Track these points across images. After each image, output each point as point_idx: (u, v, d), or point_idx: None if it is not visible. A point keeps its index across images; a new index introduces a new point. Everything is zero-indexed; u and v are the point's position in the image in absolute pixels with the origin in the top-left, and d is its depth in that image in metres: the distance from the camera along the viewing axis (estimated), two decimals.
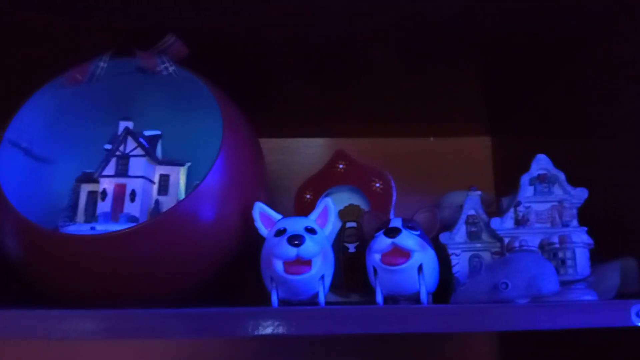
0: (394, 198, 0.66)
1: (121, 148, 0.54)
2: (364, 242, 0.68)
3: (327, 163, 0.71)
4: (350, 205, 0.71)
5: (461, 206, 0.65)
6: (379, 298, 0.52)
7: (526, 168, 0.61)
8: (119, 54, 0.56)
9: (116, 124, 0.58)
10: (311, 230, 0.50)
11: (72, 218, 0.54)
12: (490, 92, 0.79)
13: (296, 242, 0.47)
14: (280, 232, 0.50)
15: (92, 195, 0.55)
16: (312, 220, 0.52)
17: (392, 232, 0.51)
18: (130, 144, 0.54)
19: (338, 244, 0.67)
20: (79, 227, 0.50)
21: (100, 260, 0.46)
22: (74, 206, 0.54)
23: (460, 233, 0.60)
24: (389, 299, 0.54)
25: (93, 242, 0.46)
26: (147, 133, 0.57)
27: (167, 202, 0.55)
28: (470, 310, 0.48)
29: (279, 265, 0.48)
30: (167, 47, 0.58)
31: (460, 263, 0.59)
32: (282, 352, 0.81)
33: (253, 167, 0.55)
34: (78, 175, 0.57)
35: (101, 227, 0.49)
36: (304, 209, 0.66)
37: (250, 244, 0.56)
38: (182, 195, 0.56)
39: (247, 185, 0.54)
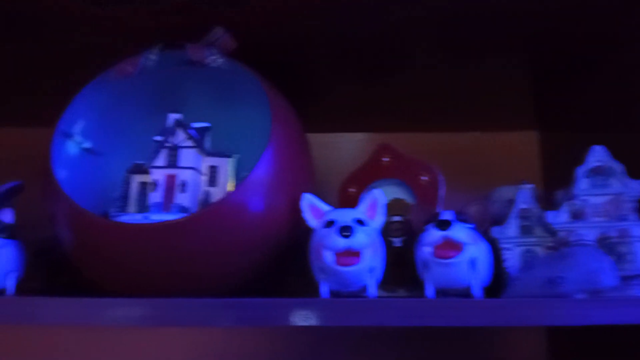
0: (441, 191, 0.65)
1: (171, 139, 0.55)
2: (410, 236, 0.67)
3: (371, 156, 0.70)
4: (395, 199, 0.70)
5: (510, 200, 0.64)
6: (430, 292, 0.51)
7: (575, 161, 0.59)
8: (168, 46, 0.57)
9: (163, 117, 0.59)
10: (361, 222, 0.50)
11: (123, 208, 0.55)
12: (537, 85, 0.77)
13: (346, 233, 0.47)
14: (329, 224, 0.50)
15: (142, 185, 0.56)
16: (361, 212, 0.51)
17: (444, 225, 0.50)
18: (180, 135, 0.55)
19: (383, 239, 0.66)
20: (133, 217, 0.51)
21: (154, 248, 0.47)
22: (125, 196, 0.55)
23: (512, 227, 0.58)
24: (439, 293, 0.53)
25: (148, 230, 0.46)
26: (196, 125, 0.57)
27: (216, 194, 0.55)
28: (524, 304, 0.47)
29: (329, 256, 0.48)
30: (215, 40, 0.58)
31: (512, 257, 0.57)
32: (327, 343, 0.81)
33: (301, 159, 0.55)
34: (126, 166, 0.58)
35: (155, 217, 0.50)
36: (348, 203, 0.65)
37: (297, 235, 0.56)
38: (230, 187, 0.56)
39: (295, 177, 0.54)
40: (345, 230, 0.47)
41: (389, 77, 0.73)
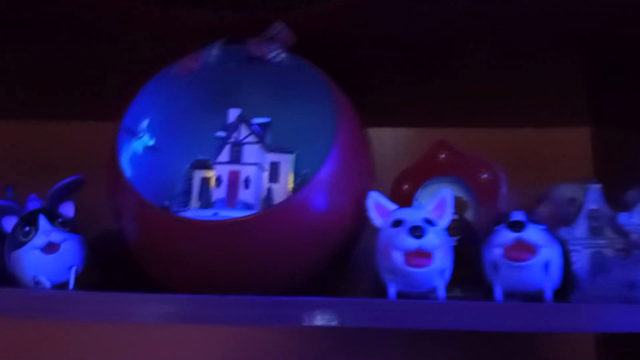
0: (502, 190, 0.63)
1: (235, 135, 0.54)
2: (466, 235, 0.66)
3: (426, 153, 0.69)
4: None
5: (572, 199, 0.62)
6: (499, 294, 0.50)
7: (628, 159, 0.56)
8: (230, 42, 0.56)
9: (223, 112, 0.58)
10: (430, 222, 0.49)
11: (186, 203, 0.55)
12: (592, 81, 0.74)
13: (417, 233, 0.46)
14: (397, 223, 0.48)
15: (205, 181, 0.55)
16: (429, 211, 0.50)
17: (517, 226, 0.48)
18: (244, 131, 0.54)
19: None
20: (199, 213, 0.51)
21: (221, 246, 0.46)
22: (188, 192, 0.55)
23: (581, 228, 0.56)
24: (507, 295, 0.51)
25: (217, 227, 0.46)
26: (257, 120, 0.57)
27: (279, 190, 0.54)
28: (599, 309, 0.45)
29: (398, 257, 0.47)
30: (275, 35, 0.57)
31: (580, 259, 0.55)
32: (375, 342, 0.80)
33: (364, 156, 0.54)
34: (187, 161, 0.58)
35: (224, 214, 0.49)
36: (401, 200, 0.64)
37: (357, 234, 0.55)
38: (291, 184, 0.55)
39: (359, 174, 0.53)
40: (417, 231, 0.46)
41: (438, 73, 0.71)
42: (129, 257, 0.54)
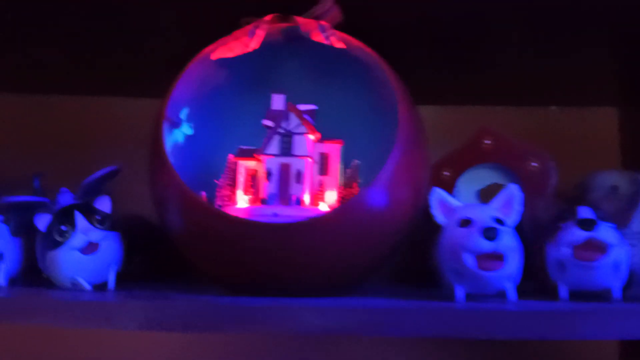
0: (553, 180, 0.61)
1: (284, 124, 0.50)
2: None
3: (470, 139, 0.66)
4: (495, 185, 0.66)
5: (614, 187, 0.60)
6: (564, 293, 0.48)
7: None
8: (275, 21, 0.52)
9: (262, 97, 0.54)
10: (500, 222, 0.46)
11: (231, 197, 0.51)
12: (620, 60, 0.71)
13: (491, 235, 0.43)
14: (466, 222, 0.46)
15: (250, 173, 0.52)
16: (496, 209, 0.48)
17: (588, 225, 0.46)
18: (293, 120, 0.50)
19: None
20: (252, 210, 0.47)
21: (285, 246, 0.43)
22: (232, 185, 0.52)
23: (638, 221, 0.55)
24: (571, 294, 0.49)
25: (280, 229, 0.42)
26: (302, 107, 0.53)
27: (329, 184, 0.51)
28: None
29: (469, 259, 0.44)
30: (324, 12, 0.53)
31: (638, 255, 0.54)
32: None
33: (424, 145, 0.51)
34: (225, 149, 0.54)
35: (280, 211, 0.46)
36: (441, 187, 0.62)
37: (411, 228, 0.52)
38: (341, 177, 0.52)
39: (420, 165, 0.50)
40: (490, 232, 0.44)
41: (471, 49, 0.68)
42: (166, 245, 0.51)
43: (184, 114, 0.53)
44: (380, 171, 0.45)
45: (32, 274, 0.51)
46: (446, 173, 0.66)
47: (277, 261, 0.44)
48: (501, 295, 0.46)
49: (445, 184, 0.66)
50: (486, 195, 0.67)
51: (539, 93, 0.83)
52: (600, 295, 0.49)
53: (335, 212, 0.44)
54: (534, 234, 0.52)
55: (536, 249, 0.51)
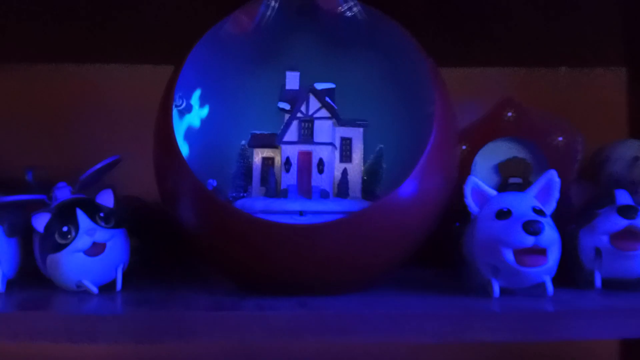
0: (579, 155, 0.58)
1: (303, 109, 0.46)
2: None
3: (491, 111, 0.62)
4: (515, 159, 0.63)
5: (636, 158, 0.58)
6: (598, 281, 0.46)
7: None
8: None
9: (275, 75, 0.49)
10: (540, 212, 0.43)
11: (245, 188, 0.47)
12: (627, 20, 0.68)
13: (535, 229, 0.41)
14: (504, 214, 0.43)
15: (266, 162, 0.47)
16: (533, 197, 0.45)
17: (629, 212, 0.44)
18: (313, 103, 0.46)
19: None
20: (270, 203, 0.43)
21: (306, 248, 0.40)
22: (246, 174, 0.47)
23: None
24: (604, 283, 0.47)
25: (306, 231, 0.39)
26: (320, 86, 0.48)
27: (353, 172, 0.47)
28: None
29: (509, 254, 0.42)
30: None
31: None
32: None
33: (456, 125, 0.47)
34: (237, 134, 0.50)
35: (308, 206, 0.42)
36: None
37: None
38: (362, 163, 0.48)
39: (453, 151, 0.46)
40: (533, 226, 0.41)
41: (477, 7, 0.63)
42: (167, 227, 0.47)
43: (194, 97, 0.48)
44: (418, 162, 0.41)
45: (32, 274, 0.47)
46: (464, 147, 0.63)
47: (299, 263, 0.41)
48: (538, 287, 0.44)
49: (462, 159, 0.63)
50: (505, 169, 0.64)
51: (548, 54, 0.79)
52: (634, 283, 0.47)
53: (366, 212, 0.40)
54: (564, 218, 0.50)
55: (567, 234, 0.49)
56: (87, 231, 0.43)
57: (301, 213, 0.41)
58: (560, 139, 0.58)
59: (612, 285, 0.47)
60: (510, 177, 0.63)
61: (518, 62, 0.80)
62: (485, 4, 0.61)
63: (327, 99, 0.46)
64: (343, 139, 0.48)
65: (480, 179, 0.49)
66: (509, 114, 0.61)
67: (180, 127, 0.47)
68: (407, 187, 0.41)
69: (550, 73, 0.82)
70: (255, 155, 0.47)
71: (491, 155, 0.63)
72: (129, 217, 0.49)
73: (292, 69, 0.48)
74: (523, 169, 0.62)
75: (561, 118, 0.59)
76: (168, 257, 0.59)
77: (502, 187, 0.63)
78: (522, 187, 0.64)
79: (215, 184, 0.47)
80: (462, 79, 0.81)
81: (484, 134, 0.62)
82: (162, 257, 0.58)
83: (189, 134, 0.49)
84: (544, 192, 0.45)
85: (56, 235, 0.43)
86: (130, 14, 0.59)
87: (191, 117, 0.49)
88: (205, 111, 0.49)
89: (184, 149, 0.48)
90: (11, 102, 0.75)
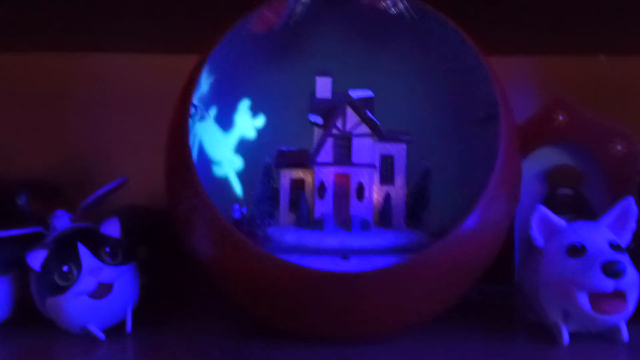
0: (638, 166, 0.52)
1: (339, 124, 0.39)
2: (582, 214, 0.56)
3: (539, 112, 0.56)
4: (565, 167, 0.57)
5: None
6: None
7: None
8: None
9: (305, 80, 0.42)
10: (618, 248, 0.37)
11: (272, 214, 0.41)
12: None
13: (617, 271, 0.35)
14: (576, 250, 0.37)
15: (295, 184, 0.41)
16: (608, 227, 0.39)
17: None
18: (351, 118, 0.39)
19: None
20: (304, 236, 0.37)
21: (353, 300, 0.33)
22: (272, 197, 0.41)
23: None
24: None
25: (354, 281, 0.32)
26: (355, 94, 0.42)
27: (396, 196, 0.41)
28: None
29: (584, 299, 0.36)
30: None
31: None
32: None
33: (518, 138, 0.41)
34: (261, 150, 0.43)
35: (347, 241, 0.36)
36: None
37: None
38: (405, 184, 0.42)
39: (518, 173, 0.40)
40: (614, 268, 0.35)
41: None
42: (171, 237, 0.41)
43: (242, 107, 0.41)
44: (487, 184, 0.35)
45: (29, 312, 0.41)
46: None
47: (342, 315, 0.34)
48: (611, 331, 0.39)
49: None
50: (554, 178, 0.58)
51: (587, 41, 0.72)
52: None
53: (424, 254, 0.33)
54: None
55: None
56: (91, 271, 0.37)
57: (345, 256, 0.35)
58: (619, 147, 0.52)
59: None
60: (560, 188, 0.57)
61: (551, 50, 0.74)
62: None
63: (368, 113, 0.39)
64: (383, 157, 0.41)
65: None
66: (560, 117, 0.54)
67: (229, 141, 0.41)
68: (474, 218, 0.34)
69: (588, 62, 0.75)
70: (282, 177, 0.41)
71: (538, 162, 0.57)
72: (135, 226, 0.43)
73: (323, 73, 0.42)
74: (574, 179, 0.56)
75: (620, 124, 0.53)
76: (181, 284, 0.53)
77: (550, 198, 0.57)
78: (573, 199, 0.59)
79: (244, 210, 0.40)
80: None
81: (532, 139, 0.55)
82: (175, 283, 0.53)
83: (242, 146, 0.43)
84: (619, 222, 0.39)
85: (55, 276, 0.37)
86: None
87: (244, 127, 0.42)
88: (260, 121, 0.42)
89: (233, 163, 0.41)
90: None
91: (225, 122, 0.44)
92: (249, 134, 0.43)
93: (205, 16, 0.54)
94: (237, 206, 0.39)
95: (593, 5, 0.60)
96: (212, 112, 0.43)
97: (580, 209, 0.57)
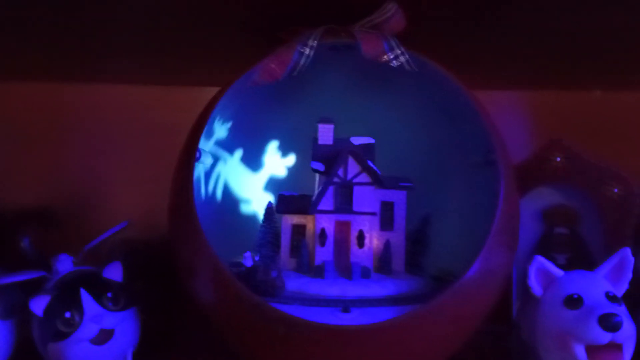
0: (636, 209, 0.53)
1: (340, 172, 0.40)
2: (578, 254, 0.56)
3: (537, 153, 0.57)
4: (562, 206, 0.57)
5: None
6: None
7: None
8: (326, 35, 0.40)
9: (304, 125, 0.44)
10: (614, 299, 0.38)
11: (273, 258, 0.41)
12: None
13: (614, 325, 0.35)
14: (573, 302, 0.37)
15: (296, 229, 0.41)
16: (604, 277, 0.39)
17: None
18: (353, 167, 0.40)
19: (542, 255, 0.54)
20: (305, 283, 0.37)
21: (353, 354, 0.33)
22: (272, 242, 0.42)
23: None
24: None
25: (354, 335, 0.33)
26: (357, 141, 0.42)
27: (396, 242, 0.41)
28: None
29: (580, 351, 0.36)
30: (385, 20, 0.41)
31: None
32: None
33: (515, 181, 0.41)
34: (262, 195, 0.44)
35: (348, 290, 0.36)
36: None
37: None
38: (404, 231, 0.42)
39: (517, 219, 0.40)
40: (611, 321, 0.35)
41: (483, 17, 0.56)
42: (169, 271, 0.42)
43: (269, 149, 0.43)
44: (491, 230, 0.35)
45: (29, 356, 0.41)
46: None
47: None
48: None
49: None
50: (551, 217, 0.59)
51: (579, 75, 0.72)
52: None
53: (430, 306, 0.34)
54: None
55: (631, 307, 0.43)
56: (93, 317, 0.37)
57: (345, 309, 0.35)
58: (616, 190, 0.52)
59: None
60: (556, 227, 0.58)
61: (545, 85, 0.74)
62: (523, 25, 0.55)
63: (369, 162, 0.40)
64: (384, 203, 0.42)
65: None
66: (558, 158, 0.55)
67: (259, 180, 0.42)
68: (477, 266, 0.35)
69: (585, 97, 0.76)
70: (284, 222, 0.41)
71: (535, 201, 0.58)
72: (133, 260, 0.43)
73: (325, 120, 0.42)
74: (571, 219, 0.57)
75: (617, 166, 0.54)
76: (178, 317, 0.53)
77: (547, 237, 0.58)
78: (569, 238, 0.60)
79: (257, 258, 0.41)
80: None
81: (528, 179, 0.56)
82: (172, 317, 0.53)
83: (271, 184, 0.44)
84: (615, 272, 0.39)
85: (58, 322, 0.37)
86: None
87: (274, 167, 0.43)
88: (291, 159, 0.44)
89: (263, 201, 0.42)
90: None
91: (253, 162, 0.46)
92: (280, 173, 0.45)
93: (206, 51, 0.55)
94: (249, 254, 0.40)
95: (589, 41, 0.61)
96: (238, 154, 0.45)
97: (577, 248, 0.57)
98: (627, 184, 0.53)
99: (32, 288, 0.40)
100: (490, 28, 0.55)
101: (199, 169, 0.42)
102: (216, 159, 0.44)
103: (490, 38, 0.57)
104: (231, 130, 0.43)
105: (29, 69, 0.65)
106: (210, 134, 0.41)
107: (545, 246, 0.59)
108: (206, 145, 0.41)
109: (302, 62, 0.39)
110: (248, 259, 0.39)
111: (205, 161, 0.42)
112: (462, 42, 0.58)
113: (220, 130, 0.42)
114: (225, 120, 0.42)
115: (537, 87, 0.74)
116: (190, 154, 0.39)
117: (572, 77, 0.71)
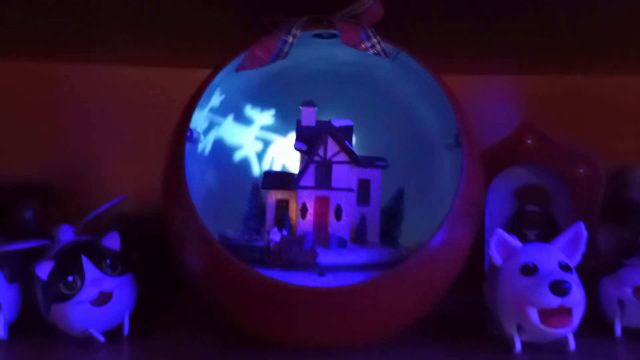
0: (602, 191, 0.56)
1: (320, 152, 0.43)
2: (548, 231, 0.60)
3: (509, 136, 0.60)
4: (533, 186, 0.61)
5: None
6: (619, 331, 0.45)
7: None
8: (307, 25, 0.43)
9: (288, 108, 0.47)
10: (566, 268, 0.42)
11: (258, 230, 0.45)
12: None
13: (562, 290, 0.39)
14: (529, 270, 0.41)
15: (280, 204, 0.45)
16: (559, 249, 0.43)
17: None
18: (332, 147, 0.43)
19: (513, 231, 0.58)
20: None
21: (328, 314, 0.37)
22: (258, 216, 0.45)
23: None
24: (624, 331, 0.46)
25: (327, 295, 0.37)
26: (337, 123, 0.46)
27: (371, 216, 0.45)
28: None
29: (534, 313, 0.40)
30: (364, 10, 0.44)
31: None
32: None
33: (481, 158, 0.44)
34: (247, 171, 0.48)
35: (326, 258, 0.40)
36: None
37: None
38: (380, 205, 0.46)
39: (482, 193, 0.44)
40: (561, 287, 0.39)
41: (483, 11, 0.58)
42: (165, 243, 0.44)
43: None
44: (453, 203, 0.39)
45: (34, 319, 0.45)
46: None
47: (319, 327, 0.39)
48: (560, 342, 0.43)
49: None
50: (523, 196, 0.62)
51: (563, 60, 0.74)
52: None
53: (396, 271, 0.38)
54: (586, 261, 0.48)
55: (587, 277, 0.47)
56: (93, 281, 0.41)
57: (321, 273, 0.39)
58: (582, 171, 0.56)
59: (634, 334, 0.46)
60: (528, 205, 0.62)
61: (527, 70, 0.76)
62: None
63: (347, 142, 0.43)
64: (361, 180, 0.46)
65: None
66: (529, 140, 0.59)
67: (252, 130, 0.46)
68: (439, 237, 0.39)
69: (565, 82, 0.78)
70: (269, 197, 0.45)
71: (508, 180, 0.62)
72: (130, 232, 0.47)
73: (308, 103, 0.46)
74: (542, 197, 0.61)
75: (585, 149, 0.57)
76: (173, 288, 0.57)
77: (519, 214, 0.62)
78: (540, 216, 0.64)
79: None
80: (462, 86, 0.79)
81: (501, 159, 0.59)
82: (167, 288, 0.56)
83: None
84: (570, 245, 0.43)
85: (61, 285, 0.41)
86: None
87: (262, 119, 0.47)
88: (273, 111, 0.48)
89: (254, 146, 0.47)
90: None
91: (244, 120, 0.50)
92: (268, 122, 0.49)
93: (203, 31, 0.57)
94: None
95: (570, 26, 0.64)
96: (230, 118, 0.49)
97: (547, 225, 0.61)
98: (593, 165, 0.57)
99: (33, 256, 0.44)
100: (474, 14, 0.59)
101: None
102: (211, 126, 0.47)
103: (475, 23, 0.60)
104: (223, 103, 0.47)
105: (28, 47, 0.68)
106: (203, 106, 0.45)
107: (516, 223, 0.63)
108: (200, 115, 0.45)
109: (285, 49, 0.42)
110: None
111: (198, 141, 0.45)
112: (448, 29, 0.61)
113: (214, 101, 0.46)
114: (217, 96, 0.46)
115: (523, 71, 0.76)
116: (183, 130, 0.42)
117: (556, 62, 0.75)
